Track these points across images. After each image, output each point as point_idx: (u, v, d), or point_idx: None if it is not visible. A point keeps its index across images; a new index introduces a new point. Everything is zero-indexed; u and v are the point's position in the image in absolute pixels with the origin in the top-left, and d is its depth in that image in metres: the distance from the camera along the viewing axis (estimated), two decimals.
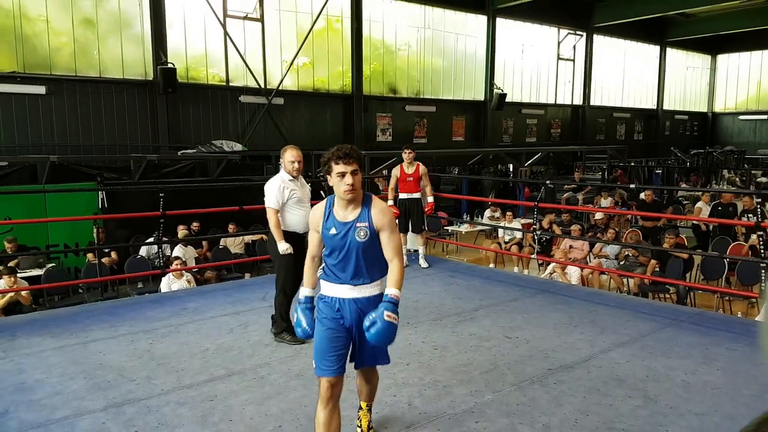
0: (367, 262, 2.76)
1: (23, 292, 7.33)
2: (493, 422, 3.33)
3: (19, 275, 7.63)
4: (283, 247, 4.53)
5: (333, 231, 2.73)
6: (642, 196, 11.71)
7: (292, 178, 4.64)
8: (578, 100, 24.05)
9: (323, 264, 2.85)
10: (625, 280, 8.69)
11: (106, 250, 9.07)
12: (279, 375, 3.92)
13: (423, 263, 7.40)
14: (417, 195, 7.26)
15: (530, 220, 9.87)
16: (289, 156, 4.62)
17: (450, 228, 13.27)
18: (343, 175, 2.66)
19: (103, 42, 12.81)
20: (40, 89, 11.99)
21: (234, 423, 3.26)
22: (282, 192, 4.56)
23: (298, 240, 4.57)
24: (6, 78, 11.59)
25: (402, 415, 3.37)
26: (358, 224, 2.72)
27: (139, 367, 4.05)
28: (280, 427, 3.23)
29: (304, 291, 2.86)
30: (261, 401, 3.52)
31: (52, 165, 9.81)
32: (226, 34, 14.32)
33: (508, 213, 11.74)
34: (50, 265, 9.02)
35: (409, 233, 7.40)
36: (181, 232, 9.63)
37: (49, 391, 3.65)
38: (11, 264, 7.97)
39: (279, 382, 3.82)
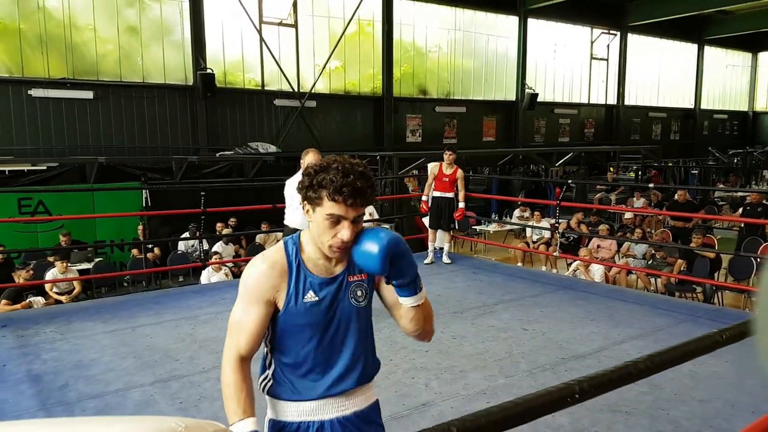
0: (364, 343, 1.68)
1: (75, 282, 7.91)
2: None
3: (72, 267, 8.21)
4: None
5: (311, 297, 1.59)
6: (676, 196, 11.74)
7: None
8: (612, 100, 23.91)
9: (271, 370, 1.66)
10: (652, 279, 8.80)
11: (150, 246, 9.60)
12: None
13: (446, 259, 7.61)
14: (450, 195, 7.43)
15: (560, 220, 10.02)
16: (311, 159, 4.87)
17: (478, 227, 13.47)
18: (337, 221, 1.53)
19: (146, 49, 13.41)
20: (88, 94, 12.62)
21: None
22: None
23: None
24: (57, 84, 12.25)
25: (418, 394, 3.67)
26: (351, 278, 1.64)
27: (182, 349, 4.45)
28: None
29: (246, 426, 1.51)
30: None
31: (100, 166, 10.40)
32: (261, 40, 14.81)
33: (536, 213, 11.92)
34: (98, 259, 9.60)
35: (439, 231, 7.63)
36: (224, 230, 10.13)
37: (103, 368, 4.07)
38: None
39: None
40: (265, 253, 1.64)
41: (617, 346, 4.61)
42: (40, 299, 7.46)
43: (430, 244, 7.64)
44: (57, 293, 7.85)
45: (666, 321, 5.24)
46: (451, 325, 5.10)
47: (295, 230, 4.97)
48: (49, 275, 7.74)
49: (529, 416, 1.07)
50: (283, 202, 5.40)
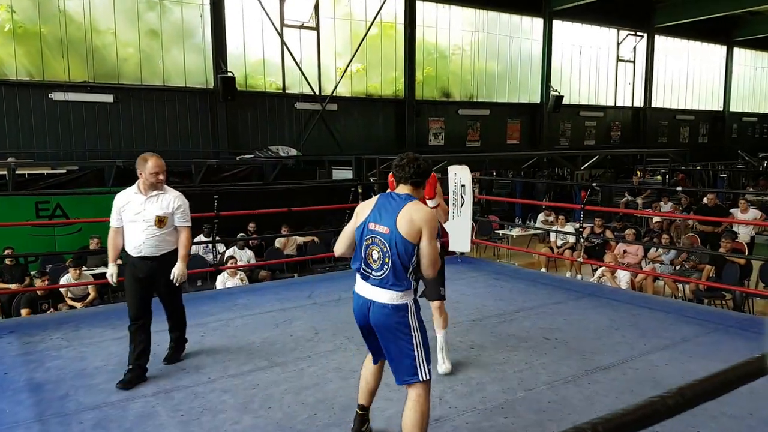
0: None
1: (90, 288, 7.85)
2: (522, 418, 3.39)
3: (87, 272, 8.15)
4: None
5: None
6: (705, 200, 11.38)
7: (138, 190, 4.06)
8: (639, 102, 23.46)
9: (413, 278, 2.90)
10: (680, 286, 8.49)
11: None
12: (318, 368, 4.10)
13: (442, 363, 4.00)
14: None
15: (584, 224, 9.77)
16: (153, 163, 3.96)
17: (501, 232, 13.21)
18: None
19: (167, 52, 13.44)
20: (109, 98, 12.68)
21: (272, 410, 3.46)
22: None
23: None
24: (78, 87, 12.32)
25: (432, 408, 3.46)
26: None
27: (189, 357, 4.31)
28: (315, 415, 3.40)
29: None
30: (299, 391, 3.70)
31: (118, 169, 10.39)
32: (283, 43, 14.76)
33: (560, 217, 11.63)
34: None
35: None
36: (241, 235, 10.02)
37: (107, 377, 3.94)
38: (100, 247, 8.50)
39: (317, 374, 4.00)
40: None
41: (643, 357, 4.36)
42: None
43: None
44: (72, 299, 7.78)
45: (694, 330, 4.98)
46: (469, 333, 4.89)
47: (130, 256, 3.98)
48: (64, 280, 7.68)
49: None
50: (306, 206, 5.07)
